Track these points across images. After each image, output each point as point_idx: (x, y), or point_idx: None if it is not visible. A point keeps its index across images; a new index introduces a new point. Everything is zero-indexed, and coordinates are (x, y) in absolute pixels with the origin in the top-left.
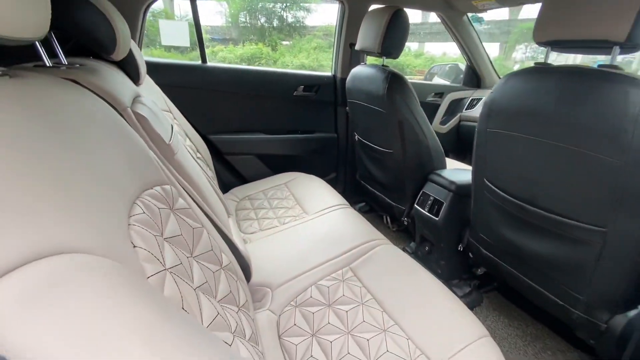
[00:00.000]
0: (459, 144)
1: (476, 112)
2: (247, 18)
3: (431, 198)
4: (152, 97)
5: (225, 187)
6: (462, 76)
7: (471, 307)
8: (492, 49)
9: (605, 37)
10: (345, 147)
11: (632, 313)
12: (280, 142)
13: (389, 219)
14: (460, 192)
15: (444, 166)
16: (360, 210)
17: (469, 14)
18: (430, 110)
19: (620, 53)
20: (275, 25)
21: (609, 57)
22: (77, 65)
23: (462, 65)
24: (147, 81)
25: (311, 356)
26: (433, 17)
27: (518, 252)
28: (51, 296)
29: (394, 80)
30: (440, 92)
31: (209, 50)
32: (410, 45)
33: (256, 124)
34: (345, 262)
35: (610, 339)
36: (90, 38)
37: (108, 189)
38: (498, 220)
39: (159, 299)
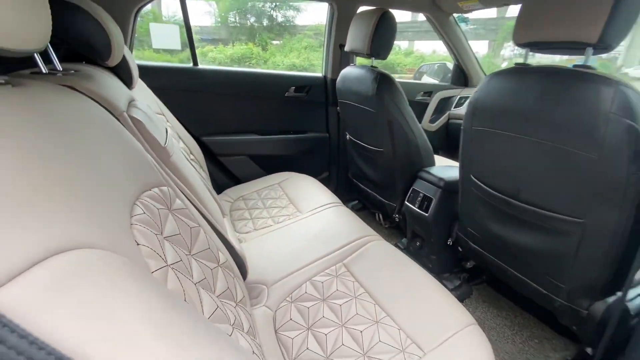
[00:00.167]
0: (448, 141)
1: (464, 110)
2: (237, 18)
3: (421, 195)
4: (145, 101)
5: (219, 188)
6: (450, 75)
7: (461, 299)
8: (481, 47)
9: (578, 38)
10: (337, 146)
11: (611, 299)
12: (272, 143)
13: (381, 216)
14: (448, 189)
15: (432, 163)
16: (352, 208)
17: (455, 15)
18: (420, 108)
19: (594, 54)
20: (265, 24)
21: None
22: (72, 71)
23: (450, 65)
24: (139, 85)
25: (307, 348)
26: (422, 15)
27: (504, 244)
28: (74, 285)
29: (383, 81)
30: (429, 91)
31: (198, 51)
32: (400, 44)
33: (249, 125)
34: (338, 258)
35: (590, 324)
36: (86, 45)
37: (111, 190)
38: (484, 215)
39: (164, 290)
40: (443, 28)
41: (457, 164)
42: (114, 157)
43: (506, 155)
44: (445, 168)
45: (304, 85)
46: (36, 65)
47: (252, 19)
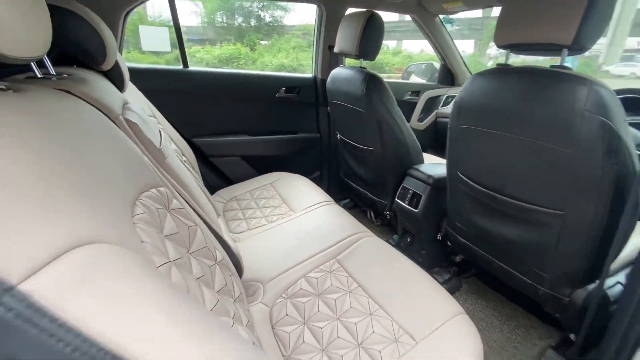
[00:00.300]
0: (437, 139)
1: (451, 109)
2: (224, 18)
3: (410, 192)
4: (137, 103)
5: (211, 189)
6: (437, 75)
7: (451, 292)
8: (467, 46)
9: (554, 40)
10: (328, 146)
11: (591, 287)
12: (264, 143)
13: (372, 214)
14: (437, 185)
15: (421, 161)
16: (344, 207)
17: (441, 16)
18: (408, 108)
19: (569, 54)
20: (253, 24)
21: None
22: (65, 75)
23: (437, 64)
24: (130, 87)
25: (304, 342)
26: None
27: (490, 237)
28: (95, 276)
29: (372, 82)
30: (417, 91)
31: (187, 52)
32: (388, 44)
33: (240, 126)
34: (332, 254)
35: (572, 311)
36: (80, 49)
37: (113, 191)
38: (471, 209)
39: (171, 283)
40: (429, 29)
41: (445, 161)
42: (113, 159)
43: (491, 152)
44: (434, 165)
45: (294, 86)
46: (30, 69)
47: (240, 19)
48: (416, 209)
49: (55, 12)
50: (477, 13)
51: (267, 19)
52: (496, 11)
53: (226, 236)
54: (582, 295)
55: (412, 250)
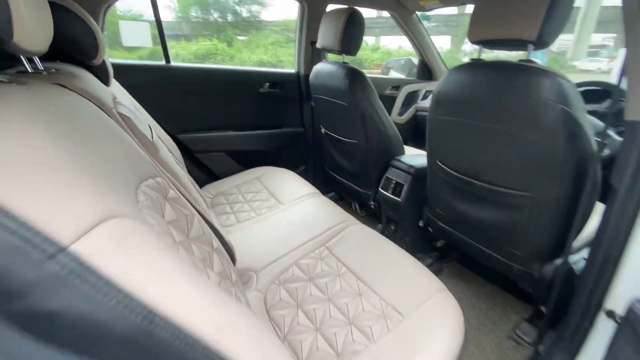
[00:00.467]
0: (417, 132)
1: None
2: (199, 13)
3: (393, 181)
4: (123, 99)
5: (197, 184)
6: (415, 70)
7: None
8: (444, 42)
9: (521, 36)
10: (312, 140)
11: (558, 262)
12: (249, 138)
13: (357, 206)
14: (418, 175)
15: (402, 152)
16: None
17: (418, 13)
18: (389, 102)
19: (534, 49)
20: (229, 20)
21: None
22: (53, 70)
23: (416, 60)
24: (114, 83)
25: (298, 323)
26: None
27: (468, 220)
28: (127, 241)
29: (355, 76)
30: (397, 85)
31: (159, 48)
32: (367, 40)
33: (225, 122)
34: (321, 242)
35: (542, 285)
36: (74, 45)
37: (121, 177)
38: (450, 195)
39: (182, 257)
40: (407, 25)
41: (425, 152)
42: (115, 149)
43: (466, 141)
44: (415, 156)
45: (277, 81)
46: (20, 64)
47: (216, 14)
48: (399, 197)
49: (51, 8)
50: (453, 10)
51: (244, 14)
52: (471, 8)
53: (218, 226)
54: (551, 270)
55: (396, 238)
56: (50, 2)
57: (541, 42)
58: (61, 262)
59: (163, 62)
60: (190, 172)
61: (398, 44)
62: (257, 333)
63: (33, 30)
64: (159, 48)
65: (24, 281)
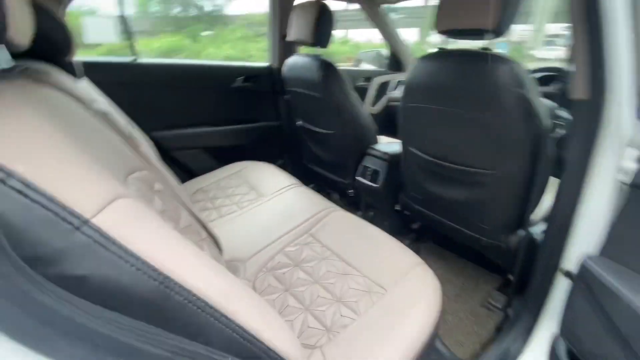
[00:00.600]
0: (389, 121)
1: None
2: (161, 7)
3: (370, 169)
4: (97, 95)
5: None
6: (386, 61)
7: None
8: (412, 34)
9: (480, 26)
10: (289, 133)
11: (521, 232)
12: (225, 134)
13: (337, 196)
14: (393, 161)
15: (377, 141)
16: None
17: (385, 6)
18: (361, 94)
19: (493, 38)
20: (192, 14)
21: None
22: (25, 67)
23: (385, 52)
24: (85, 80)
25: (288, 305)
26: (355, 4)
27: (440, 201)
28: (137, 218)
29: (328, 68)
30: (369, 77)
31: (119, 46)
32: (336, 33)
33: (199, 118)
34: (305, 229)
35: (508, 255)
36: (48, 42)
37: (114, 169)
38: (422, 178)
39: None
40: (375, 18)
41: (398, 141)
42: (102, 142)
43: (435, 125)
44: (389, 144)
45: (250, 75)
46: None
47: (178, 9)
48: (376, 184)
49: None
50: (420, 1)
51: (208, 8)
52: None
53: (203, 219)
54: (515, 240)
55: (375, 223)
56: None
57: (497, 31)
58: (86, 232)
59: (132, 58)
60: None
61: (366, 37)
62: (257, 301)
63: (21, 24)
64: (117, 45)
65: (56, 249)
